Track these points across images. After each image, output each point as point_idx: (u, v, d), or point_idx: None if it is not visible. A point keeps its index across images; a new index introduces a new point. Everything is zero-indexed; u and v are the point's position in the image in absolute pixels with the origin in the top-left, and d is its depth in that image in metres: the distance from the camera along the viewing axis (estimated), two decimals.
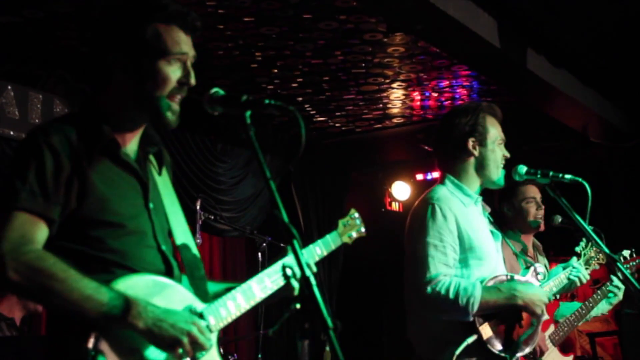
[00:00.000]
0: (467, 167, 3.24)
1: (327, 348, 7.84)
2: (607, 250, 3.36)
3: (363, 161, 8.33)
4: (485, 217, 3.35)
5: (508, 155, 3.29)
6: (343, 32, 5.12)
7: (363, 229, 2.86)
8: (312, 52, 5.50)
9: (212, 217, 5.00)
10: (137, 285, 2.05)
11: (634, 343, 4.32)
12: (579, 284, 3.47)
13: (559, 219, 4.15)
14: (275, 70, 5.87)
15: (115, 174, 2.18)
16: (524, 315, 3.10)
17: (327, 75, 6.03)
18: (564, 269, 3.62)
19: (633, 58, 5.59)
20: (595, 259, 3.76)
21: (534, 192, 4.38)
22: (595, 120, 6.29)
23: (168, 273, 2.20)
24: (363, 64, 5.77)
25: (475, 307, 2.93)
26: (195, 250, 2.25)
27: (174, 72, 2.30)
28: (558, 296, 3.91)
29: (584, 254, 3.71)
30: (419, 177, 8.26)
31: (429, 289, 2.95)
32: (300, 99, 6.59)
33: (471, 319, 2.97)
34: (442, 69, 5.95)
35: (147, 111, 2.30)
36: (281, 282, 2.34)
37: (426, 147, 7.41)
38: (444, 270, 3.00)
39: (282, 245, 5.37)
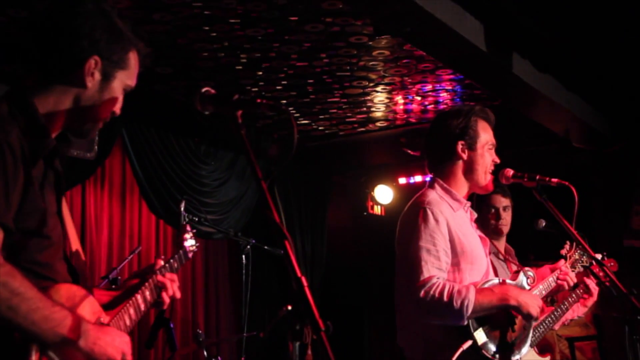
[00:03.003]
0: (455, 170, 3.23)
1: (310, 352, 7.83)
2: (592, 255, 3.38)
3: (346, 164, 8.33)
4: (476, 221, 3.35)
5: (498, 160, 3.29)
6: (329, 34, 5.10)
7: (195, 243, 2.93)
8: (297, 55, 5.48)
9: (197, 219, 4.96)
10: (63, 298, 2.01)
11: (613, 346, 4.31)
12: (566, 287, 3.48)
13: (542, 223, 4.16)
14: (260, 73, 5.84)
15: (48, 182, 2.08)
16: (517, 319, 3.10)
17: (312, 78, 6.01)
18: (552, 272, 3.63)
19: (616, 64, 5.62)
20: (580, 262, 3.77)
21: (497, 201, 4.43)
22: (578, 125, 6.31)
23: (75, 282, 2.15)
24: (348, 67, 5.76)
25: (470, 310, 2.91)
26: (83, 257, 2.21)
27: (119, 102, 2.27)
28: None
29: (569, 257, 3.72)
30: (402, 180, 8.27)
31: (422, 292, 2.92)
32: (284, 101, 6.56)
33: (465, 322, 2.94)
34: (426, 73, 5.95)
35: (82, 125, 2.20)
36: (156, 295, 2.36)
37: (409, 151, 7.41)
38: (437, 273, 2.97)
39: (266, 247, 5.38)
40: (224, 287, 7.35)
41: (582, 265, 3.79)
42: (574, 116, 5.97)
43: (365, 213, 8.55)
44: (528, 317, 3.06)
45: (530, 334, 3.21)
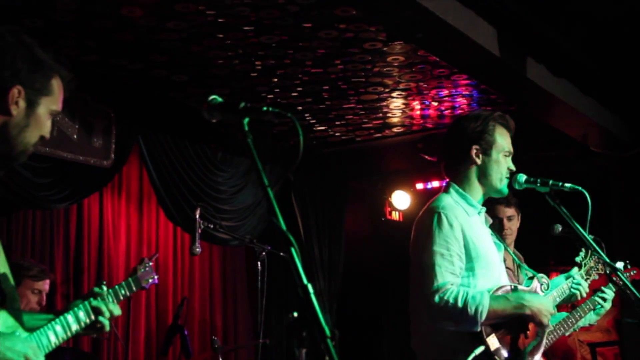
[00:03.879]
0: (469, 175, 3.21)
1: (327, 358, 7.82)
2: (607, 260, 3.34)
3: (363, 170, 8.32)
4: (488, 227, 3.33)
5: (513, 168, 3.25)
6: (343, 41, 5.12)
7: (156, 276, 2.95)
8: (312, 61, 5.49)
9: (212, 226, 4.98)
10: None
11: (635, 352, 4.27)
12: (579, 297, 3.43)
13: (559, 228, 4.12)
14: (275, 79, 5.86)
15: None
16: (530, 325, 3.08)
17: (327, 85, 6.02)
18: (567, 279, 3.59)
19: (633, 67, 5.58)
20: (595, 270, 3.73)
21: (500, 212, 4.41)
22: (595, 129, 6.27)
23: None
24: (363, 73, 5.77)
25: (484, 316, 2.89)
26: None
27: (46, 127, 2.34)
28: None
29: (584, 264, 3.68)
30: (419, 186, 8.25)
31: (436, 297, 2.91)
32: (300, 108, 6.58)
33: (479, 328, 2.92)
34: (441, 78, 5.94)
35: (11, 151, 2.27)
36: (93, 318, 2.41)
37: (426, 157, 7.40)
38: (451, 279, 2.96)
39: (282, 254, 5.38)
40: (241, 294, 7.37)
41: (597, 273, 3.75)
42: (591, 120, 5.93)
43: (383, 219, 8.53)
44: (540, 325, 3.04)
45: (544, 341, 3.18)
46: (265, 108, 2.18)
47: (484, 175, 3.20)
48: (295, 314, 1.91)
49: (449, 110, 6.89)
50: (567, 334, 4.02)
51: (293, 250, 2.05)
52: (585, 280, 3.66)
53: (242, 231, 6.58)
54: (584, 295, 3.45)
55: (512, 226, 4.47)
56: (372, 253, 8.43)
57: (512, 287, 3.11)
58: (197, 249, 4.71)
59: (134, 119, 5.83)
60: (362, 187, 8.55)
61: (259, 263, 4.99)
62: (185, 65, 5.51)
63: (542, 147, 7.23)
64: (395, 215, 8.56)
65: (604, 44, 5.14)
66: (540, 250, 7.61)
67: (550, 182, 3.31)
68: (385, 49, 5.27)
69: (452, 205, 3.12)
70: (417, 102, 6.61)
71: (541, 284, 3.28)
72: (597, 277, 3.74)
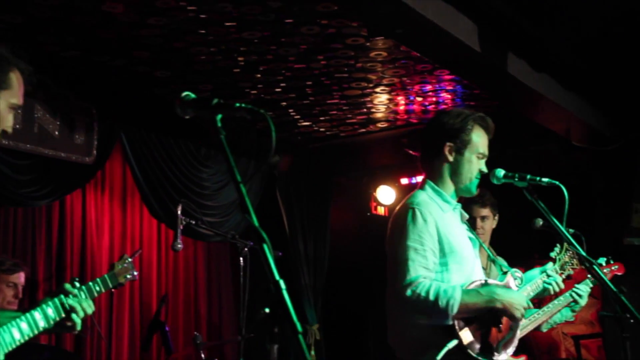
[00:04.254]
0: (442, 171, 3.25)
1: (313, 352, 7.84)
2: (584, 254, 3.35)
3: (348, 165, 8.32)
4: (463, 223, 3.35)
5: (485, 170, 3.27)
6: (325, 36, 5.11)
7: (135, 273, 2.92)
8: (294, 57, 5.49)
9: (194, 222, 4.97)
10: None
11: (616, 345, 4.27)
12: (552, 291, 3.43)
13: (539, 222, 4.13)
14: (259, 75, 5.85)
15: None
16: (503, 319, 3.10)
17: (311, 80, 6.02)
18: (541, 273, 3.60)
19: (614, 62, 5.60)
20: (570, 264, 3.72)
21: (474, 211, 4.48)
22: (578, 124, 6.29)
23: None
24: (346, 69, 5.76)
25: (455, 309, 2.92)
26: None
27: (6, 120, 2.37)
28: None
29: (559, 259, 3.68)
30: (404, 181, 8.25)
31: (409, 291, 2.95)
32: (284, 103, 6.57)
33: (450, 321, 2.96)
34: (424, 74, 5.95)
35: None
36: (62, 315, 2.39)
37: (411, 152, 7.40)
38: (424, 273, 3.00)
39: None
40: (226, 290, 7.36)
41: (572, 268, 3.74)
42: (573, 115, 5.95)
43: (368, 214, 8.53)
44: (512, 318, 3.06)
45: (518, 334, 3.20)
46: (237, 104, 2.18)
47: (454, 173, 3.24)
48: (267, 310, 1.91)
49: (433, 106, 6.89)
50: (544, 329, 4.03)
51: (265, 246, 2.05)
52: (560, 274, 3.66)
53: (226, 227, 6.58)
54: (557, 290, 3.43)
55: (486, 226, 4.49)
56: (357, 248, 8.43)
57: (484, 281, 3.13)
58: (179, 245, 4.70)
59: (116, 116, 5.81)
60: (347, 182, 8.54)
61: (241, 259, 4.98)
62: (167, 61, 5.49)
63: (526, 142, 7.26)
64: (380, 210, 8.56)
65: (585, 40, 5.16)
66: (524, 244, 7.65)
67: (528, 177, 3.32)
68: (368, 45, 5.27)
69: (426, 201, 3.16)
70: (401, 97, 6.62)
71: (515, 279, 3.29)
72: (571, 272, 3.73)
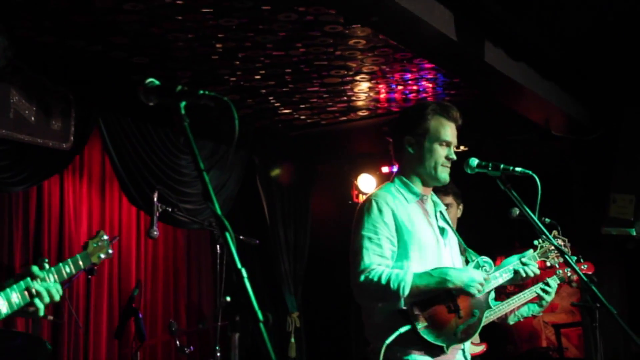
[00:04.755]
0: (409, 164, 3.34)
1: (292, 340, 7.85)
2: (555, 243, 3.36)
3: (329, 153, 8.33)
4: (436, 212, 3.39)
5: (453, 157, 3.31)
6: (303, 24, 5.09)
7: (110, 251, 2.80)
8: (272, 44, 5.46)
9: (170, 209, 4.95)
10: None
11: (591, 334, 4.29)
12: (522, 274, 3.40)
13: (516, 211, 4.13)
14: (237, 62, 5.82)
15: None
16: (462, 304, 3.13)
17: (290, 68, 5.99)
18: (520, 259, 3.59)
19: (592, 52, 5.61)
20: (554, 253, 3.71)
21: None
22: (557, 114, 6.30)
23: None
24: (325, 57, 5.74)
25: (406, 292, 3.03)
26: None
27: None
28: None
29: (541, 247, 3.66)
30: (385, 169, 8.23)
31: (362, 277, 3.09)
32: (263, 91, 6.55)
33: (404, 305, 3.05)
34: (404, 62, 5.93)
35: None
36: (28, 300, 2.27)
37: (390, 140, 7.40)
38: (378, 260, 3.12)
39: (241, 237, 5.37)
40: (206, 277, 7.35)
41: (556, 256, 3.72)
42: (552, 105, 5.95)
43: (349, 202, 8.53)
44: (468, 295, 3.09)
45: (483, 321, 3.22)
46: (201, 92, 2.17)
47: (418, 164, 3.30)
48: (228, 299, 1.90)
49: (414, 94, 6.89)
50: (510, 321, 4.03)
51: (227, 234, 2.03)
52: (542, 263, 3.65)
53: (206, 214, 6.55)
54: (530, 274, 3.41)
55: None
56: (338, 236, 8.42)
57: (446, 267, 3.17)
58: (155, 232, 4.69)
59: (94, 102, 5.77)
60: (329, 170, 8.55)
61: (218, 246, 4.98)
62: (145, 47, 5.45)
63: (506, 131, 7.28)
64: (361, 199, 8.54)
65: (563, 29, 5.16)
66: (505, 233, 7.68)
67: (502, 166, 3.33)
68: (347, 32, 5.25)
69: (388, 193, 3.26)
70: (381, 85, 6.60)
71: (481, 266, 3.30)
72: (555, 260, 3.70)
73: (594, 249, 6.52)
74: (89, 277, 5.01)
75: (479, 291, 3.13)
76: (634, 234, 6.08)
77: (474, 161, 3.33)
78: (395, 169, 3.52)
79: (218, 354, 4.15)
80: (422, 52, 4.99)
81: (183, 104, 2.17)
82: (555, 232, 3.91)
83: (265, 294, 7.71)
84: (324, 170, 8.55)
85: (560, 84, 5.96)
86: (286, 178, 8.02)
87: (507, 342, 8.71)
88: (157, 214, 4.78)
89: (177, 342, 4.44)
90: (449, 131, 3.30)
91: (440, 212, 3.42)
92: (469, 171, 3.36)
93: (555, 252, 3.70)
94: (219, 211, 2.09)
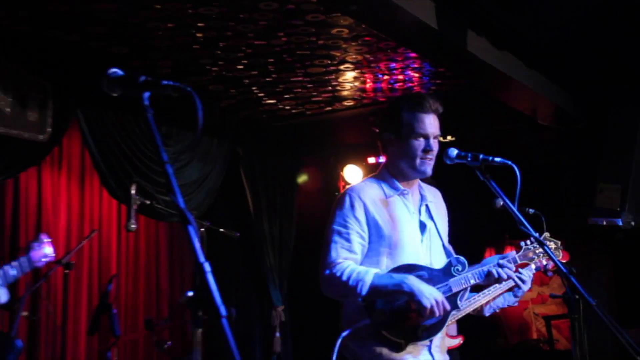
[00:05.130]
0: (391, 158, 3.36)
1: (278, 334, 7.85)
2: (535, 235, 3.34)
3: (315, 144, 8.32)
4: (420, 207, 3.39)
5: (433, 149, 3.30)
6: (284, 12, 5.05)
7: (51, 254, 2.83)
8: (254, 34, 5.42)
9: (148, 202, 4.93)
10: None
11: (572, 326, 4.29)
12: (495, 276, 3.30)
13: (500, 202, 4.11)
14: (219, 52, 5.79)
15: None
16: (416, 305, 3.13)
17: (272, 57, 5.96)
18: (499, 261, 3.54)
19: (577, 39, 5.58)
20: (541, 256, 3.62)
21: None
22: (543, 103, 6.30)
23: None
24: (307, 46, 5.71)
25: (365, 290, 3.07)
26: None
27: None
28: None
29: (527, 249, 3.57)
30: (371, 160, 8.24)
31: (327, 271, 3.16)
32: (246, 81, 6.53)
33: (363, 300, 3.09)
34: (388, 51, 5.91)
35: None
36: None
37: (376, 130, 7.39)
38: (345, 255, 3.17)
39: (221, 230, 5.35)
40: (188, 271, 7.34)
41: (535, 262, 3.69)
42: (537, 94, 5.94)
43: (336, 193, 8.51)
44: (419, 305, 3.06)
45: (449, 318, 3.22)
46: (165, 82, 2.15)
47: (399, 159, 3.32)
48: (190, 294, 1.88)
49: (400, 84, 6.87)
50: (486, 313, 4.02)
51: (190, 228, 2.02)
52: (529, 262, 3.59)
53: (189, 207, 6.53)
54: (503, 277, 3.34)
55: None
56: (325, 228, 8.43)
57: (412, 266, 3.18)
58: (133, 226, 4.66)
59: (72, 92, 5.71)
60: (315, 161, 8.54)
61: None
62: (124, 37, 5.40)
63: (493, 121, 7.29)
64: None
65: (547, 17, 5.13)
66: (496, 225, 7.69)
67: (481, 156, 3.29)
68: (329, 21, 5.22)
69: (365, 187, 3.30)
70: (367, 75, 6.58)
71: (454, 265, 3.28)
72: (540, 260, 3.63)
73: (582, 240, 6.54)
74: (66, 271, 5.00)
75: (430, 306, 3.06)
76: (621, 224, 6.08)
77: (453, 151, 3.30)
78: (382, 159, 3.53)
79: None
80: (403, 41, 4.97)
81: (147, 94, 2.14)
82: (546, 235, 3.86)
83: (250, 288, 7.71)
84: (309, 161, 8.54)
85: (546, 73, 5.95)
86: (312, 182, 8.09)
87: (497, 334, 8.74)
88: (136, 207, 4.75)
89: (155, 338, 4.42)
90: (426, 123, 3.28)
91: (427, 206, 3.41)
92: (448, 162, 3.33)
93: (543, 254, 3.63)
94: (182, 204, 2.08)
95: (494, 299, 3.98)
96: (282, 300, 7.77)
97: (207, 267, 1.98)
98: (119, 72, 2.19)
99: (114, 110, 6.04)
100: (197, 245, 2.02)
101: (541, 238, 3.67)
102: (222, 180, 7.19)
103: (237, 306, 7.52)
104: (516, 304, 4.05)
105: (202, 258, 1.97)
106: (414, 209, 3.36)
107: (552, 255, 3.18)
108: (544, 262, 3.95)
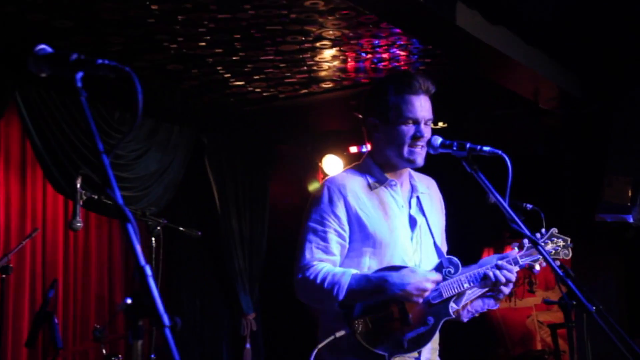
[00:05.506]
0: (377, 147, 3.33)
1: (248, 345, 7.85)
2: (528, 233, 3.34)
3: (289, 132, 8.31)
4: (410, 199, 3.37)
5: (424, 135, 3.26)
6: None
7: None
8: (217, 6, 5.40)
9: (96, 197, 4.91)
10: None
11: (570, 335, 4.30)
12: (493, 279, 3.31)
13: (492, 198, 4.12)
14: (177, 27, 5.76)
15: None
16: (412, 309, 3.12)
17: (239, 33, 5.94)
18: (497, 261, 3.53)
19: (582, 12, 5.60)
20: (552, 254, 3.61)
21: None
22: (545, 86, 6.33)
23: None
24: (278, 20, 5.70)
25: (341, 295, 3.05)
26: None
27: None
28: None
29: (530, 247, 3.57)
30: (353, 149, 8.25)
31: (300, 274, 3.14)
32: (210, 60, 6.49)
33: (340, 307, 3.07)
34: (369, 26, 5.90)
35: None
36: None
37: (360, 116, 7.40)
38: (321, 256, 3.14)
39: (180, 228, 5.35)
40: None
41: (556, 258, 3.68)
42: (539, 75, 5.97)
43: (314, 186, 8.53)
44: (410, 301, 3.08)
45: (439, 327, 3.22)
46: (100, 61, 2.13)
47: (386, 147, 3.29)
48: (129, 301, 1.87)
49: (385, 63, 6.86)
50: (464, 319, 4.01)
51: (129, 226, 2.01)
52: (534, 264, 3.57)
53: (145, 202, 6.54)
54: (501, 280, 3.35)
55: None
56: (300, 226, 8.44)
57: (397, 267, 3.15)
58: (78, 224, 4.65)
59: (8, 72, 5.68)
60: (290, 151, 8.54)
61: (153, 239, 4.94)
62: (68, 9, 5.36)
63: (490, 105, 7.31)
64: None
65: None
66: (494, 222, 7.71)
67: (468, 145, 3.28)
68: None
69: (346, 178, 3.27)
70: (347, 53, 6.57)
71: (445, 267, 3.27)
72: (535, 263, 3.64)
73: (588, 239, 6.57)
74: (3, 276, 4.98)
75: (417, 299, 3.08)
76: (631, 221, 6.12)
77: (437, 140, 3.29)
78: (366, 148, 3.52)
79: None
80: (384, 14, 4.97)
81: (80, 75, 2.13)
82: (554, 231, 3.84)
83: (217, 294, 7.71)
84: (284, 150, 8.54)
85: (548, 50, 5.97)
86: (287, 174, 8.08)
87: (497, 344, 8.79)
88: (81, 202, 4.74)
89: (104, 350, 4.42)
90: (416, 106, 3.25)
91: (418, 198, 3.39)
92: (431, 151, 3.33)
93: (554, 253, 3.63)
94: (120, 200, 2.08)
95: (472, 302, 3.96)
96: (253, 308, 7.77)
97: (147, 270, 1.97)
98: (48, 49, 2.17)
99: (58, 93, 6.00)
100: (137, 246, 2.02)
101: (548, 234, 3.65)
102: (185, 172, 7.17)
103: (203, 315, 7.52)
104: (497, 306, 4.02)
105: (142, 261, 1.96)
106: (404, 202, 3.34)
107: (546, 256, 3.18)
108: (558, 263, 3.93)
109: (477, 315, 3.83)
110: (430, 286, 3.12)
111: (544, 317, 8.63)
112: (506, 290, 3.44)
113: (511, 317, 8.63)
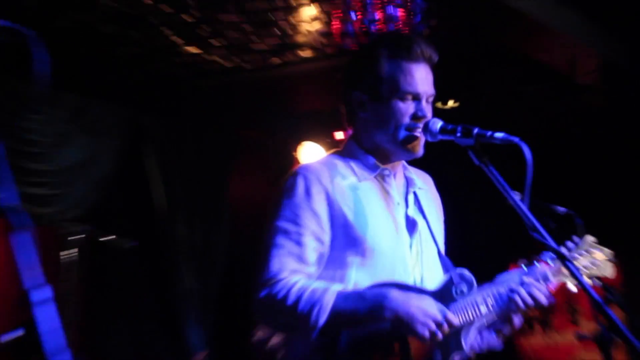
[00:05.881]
0: (362, 128, 3.32)
1: None
2: (555, 246, 3.29)
3: (257, 113, 8.31)
4: (406, 195, 3.37)
5: (425, 115, 3.24)
6: None
7: None
8: None
9: None
10: None
11: None
12: (519, 302, 3.27)
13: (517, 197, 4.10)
14: None
15: None
16: (414, 343, 3.01)
17: None
18: (522, 277, 3.47)
19: None
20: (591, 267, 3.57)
21: None
22: (584, 55, 6.34)
23: None
24: None
25: (322, 318, 2.91)
26: None
27: None
28: None
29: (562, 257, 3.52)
30: (339, 135, 8.25)
31: (263, 291, 2.99)
32: (154, 20, 6.46)
33: (323, 337, 2.93)
34: None
35: None
36: None
37: (340, 89, 7.44)
38: (293, 266, 3.03)
39: (110, 238, 5.30)
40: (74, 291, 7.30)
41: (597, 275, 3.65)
42: (574, 42, 5.97)
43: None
44: (417, 335, 2.94)
45: None
46: None
47: (375, 129, 3.27)
48: (20, 333, 1.84)
49: (378, 25, 6.85)
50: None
51: (16, 237, 1.98)
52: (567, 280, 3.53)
53: (66, 203, 6.49)
54: (529, 303, 3.29)
55: None
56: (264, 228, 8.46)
57: (394, 285, 3.05)
58: None
59: None
60: (257, 137, 8.54)
61: (72, 251, 4.92)
62: None
63: (514, 80, 7.34)
64: None
65: None
66: (523, 230, 7.73)
67: (476, 131, 3.25)
68: None
69: (328, 166, 3.22)
70: (329, 13, 6.55)
71: (453, 284, 3.20)
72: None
73: (630, 242, 6.61)
74: None
75: (431, 332, 2.93)
76: None
77: (437, 123, 3.25)
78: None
79: None
80: None
81: None
82: (590, 240, 3.78)
83: (157, 324, 7.67)
84: (250, 136, 8.55)
85: (587, 11, 5.96)
86: (253, 167, 8.11)
87: None
88: None
89: None
90: (416, 77, 3.24)
91: (415, 194, 3.37)
92: (429, 138, 3.30)
93: (591, 268, 3.60)
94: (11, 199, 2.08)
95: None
96: (205, 343, 7.74)
97: (38, 295, 1.94)
98: None
99: None
100: (25, 263, 2.00)
101: (582, 244, 3.62)
102: (119, 164, 7.14)
103: (136, 354, 7.48)
104: (500, 347, 3.92)
105: (29, 282, 1.93)
106: (399, 199, 3.33)
107: (575, 273, 3.12)
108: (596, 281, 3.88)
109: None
110: (443, 316, 2.97)
111: (590, 357, 8.55)
112: (517, 321, 3.37)
113: (548, 357, 8.62)
